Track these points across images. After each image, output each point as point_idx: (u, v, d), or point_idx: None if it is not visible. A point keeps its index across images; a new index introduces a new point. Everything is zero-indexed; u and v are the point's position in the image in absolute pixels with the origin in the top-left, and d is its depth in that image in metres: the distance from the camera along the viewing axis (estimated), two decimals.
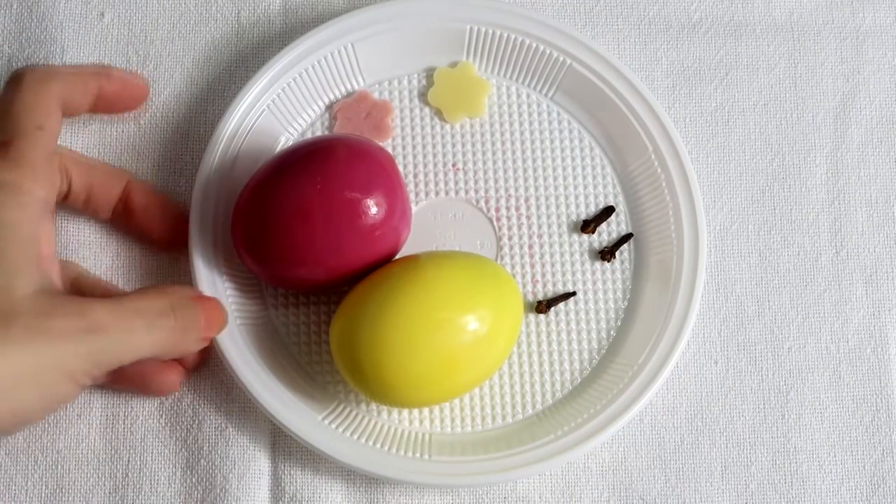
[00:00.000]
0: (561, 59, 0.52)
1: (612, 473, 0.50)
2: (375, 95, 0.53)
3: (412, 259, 0.47)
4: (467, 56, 0.53)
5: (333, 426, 0.48)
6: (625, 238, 0.52)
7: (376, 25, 0.52)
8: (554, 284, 0.51)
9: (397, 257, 0.48)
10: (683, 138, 0.53)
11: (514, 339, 0.47)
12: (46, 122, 0.45)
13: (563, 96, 0.53)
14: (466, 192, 0.52)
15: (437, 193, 0.52)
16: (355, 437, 0.48)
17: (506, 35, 0.52)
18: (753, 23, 0.55)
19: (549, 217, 0.52)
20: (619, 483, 0.50)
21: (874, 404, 0.51)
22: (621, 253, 0.52)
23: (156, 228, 0.50)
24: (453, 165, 0.52)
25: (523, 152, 0.53)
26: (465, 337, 0.44)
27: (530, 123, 0.53)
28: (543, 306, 0.51)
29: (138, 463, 0.49)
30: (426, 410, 0.50)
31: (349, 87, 0.53)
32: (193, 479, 0.49)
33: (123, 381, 0.48)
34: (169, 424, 0.50)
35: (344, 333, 0.45)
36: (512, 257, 0.51)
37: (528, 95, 0.53)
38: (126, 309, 0.42)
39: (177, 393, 0.50)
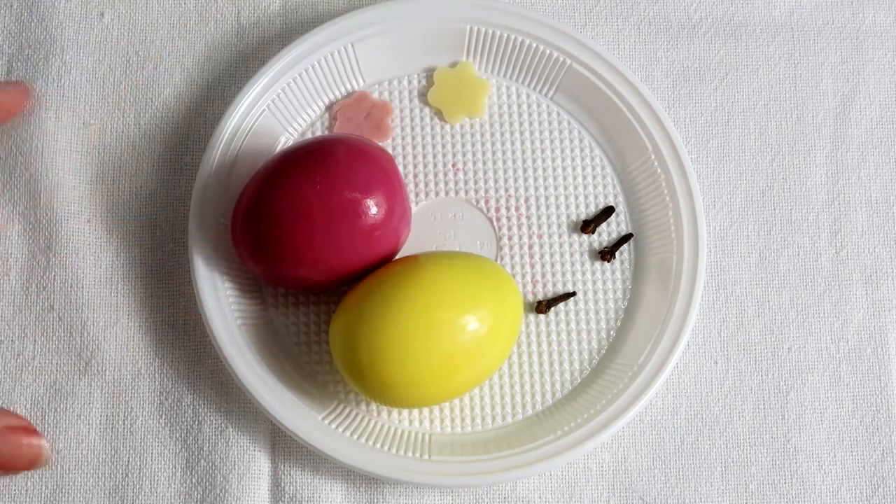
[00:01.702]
0: (561, 59, 0.52)
1: (612, 473, 0.50)
2: (375, 95, 0.53)
3: (412, 259, 0.47)
4: (467, 56, 0.53)
5: (333, 426, 0.48)
6: (625, 238, 0.52)
7: (376, 25, 0.52)
8: (554, 284, 0.51)
9: (397, 257, 0.48)
10: (683, 138, 0.53)
11: (514, 339, 0.47)
12: None
13: (563, 96, 0.53)
14: (466, 192, 0.52)
15: (437, 193, 0.52)
16: (355, 437, 0.48)
17: (506, 35, 0.52)
18: (753, 23, 0.55)
19: (549, 217, 0.52)
20: (619, 483, 0.50)
21: (874, 404, 0.51)
22: (621, 253, 0.52)
23: None
24: (453, 165, 0.52)
25: (523, 152, 0.53)
26: (465, 337, 0.44)
27: (530, 123, 0.53)
28: (543, 306, 0.51)
29: (138, 463, 0.49)
30: (426, 410, 0.50)
31: (349, 87, 0.53)
32: (193, 480, 0.49)
33: None
34: (169, 424, 0.50)
35: (344, 333, 0.45)
36: (512, 257, 0.51)
37: (528, 95, 0.53)
38: None
39: (177, 393, 0.50)
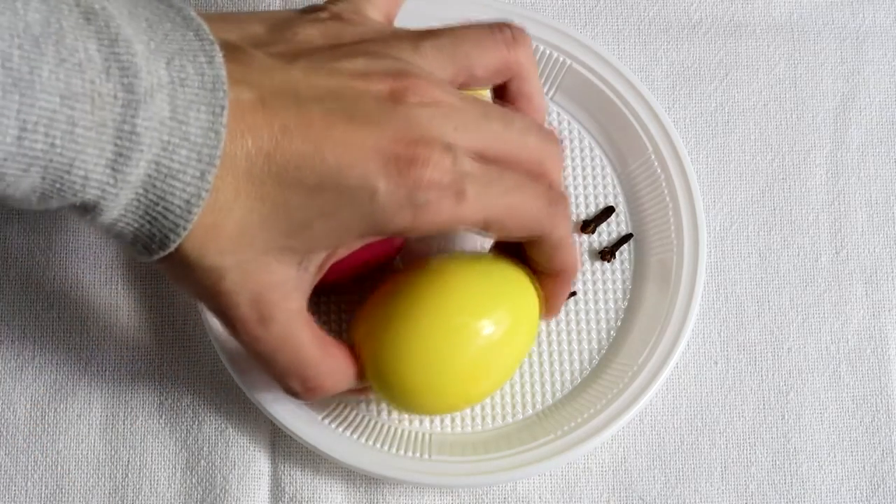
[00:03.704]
0: (561, 59, 0.52)
1: (612, 473, 0.50)
2: None
3: (430, 263, 0.45)
4: None
5: (333, 426, 0.48)
6: (625, 238, 0.52)
7: None
8: None
9: (412, 260, 0.46)
10: (683, 138, 0.53)
11: (533, 335, 0.46)
12: None
13: (563, 96, 0.53)
14: None
15: None
16: (355, 437, 0.48)
17: None
18: (753, 23, 0.55)
19: None
20: (619, 483, 0.50)
21: (874, 404, 0.51)
22: (621, 253, 0.52)
23: None
24: None
25: None
26: (491, 339, 0.43)
27: None
28: None
29: (138, 463, 0.49)
30: None
31: None
32: (193, 480, 0.49)
33: None
34: (169, 425, 0.50)
35: (367, 345, 0.44)
36: None
37: None
38: None
39: (177, 393, 0.50)
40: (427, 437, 0.49)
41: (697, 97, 0.54)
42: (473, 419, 0.50)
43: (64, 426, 0.50)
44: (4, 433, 0.49)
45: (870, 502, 0.50)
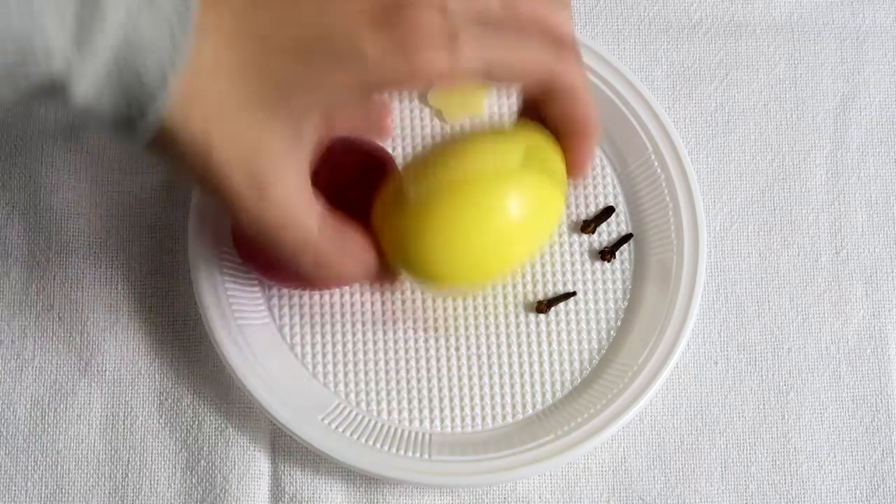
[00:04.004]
0: None
1: (612, 473, 0.50)
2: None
3: (452, 139, 0.44)
4: None
5: (333, 426, 0.48)
6: (625, 238, 0.52)
7: None
8: (554, 284, 0.51)
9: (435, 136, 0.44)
10: (683, 138, 0.53)
11: (562, 202, 0.44)
12: None
13: None
14: None
15: None
16: (355, 437, 0.48)
17: None
18: (753, 23, 0.55)
19: None
20: (619, 483, 0.50)
21: (874, 404, 0.51)
22: (621, 253, 0.52)
23: None
24: None
25: None
26: (516, 209, 0.42)
27: None
28: (543, 306, 0.51)
29: (138, 463, 0.49)
30: (426, 410, 0.49)
31: None
32: (193, 480, 0.49)
33: None
34: (169, 425, 0.50)
35: (392, 227, 0.42)
36: None
37: None
38: None
39: (177, 393, 0.50)
40: (427, 437, 0.49)
41: (697, 97, 0.54)
42: (473, 419, 0.50)
43: (64, 426, 0.50)
44: (4, 433, 0.49)
45: (870, 502, 0.50)
